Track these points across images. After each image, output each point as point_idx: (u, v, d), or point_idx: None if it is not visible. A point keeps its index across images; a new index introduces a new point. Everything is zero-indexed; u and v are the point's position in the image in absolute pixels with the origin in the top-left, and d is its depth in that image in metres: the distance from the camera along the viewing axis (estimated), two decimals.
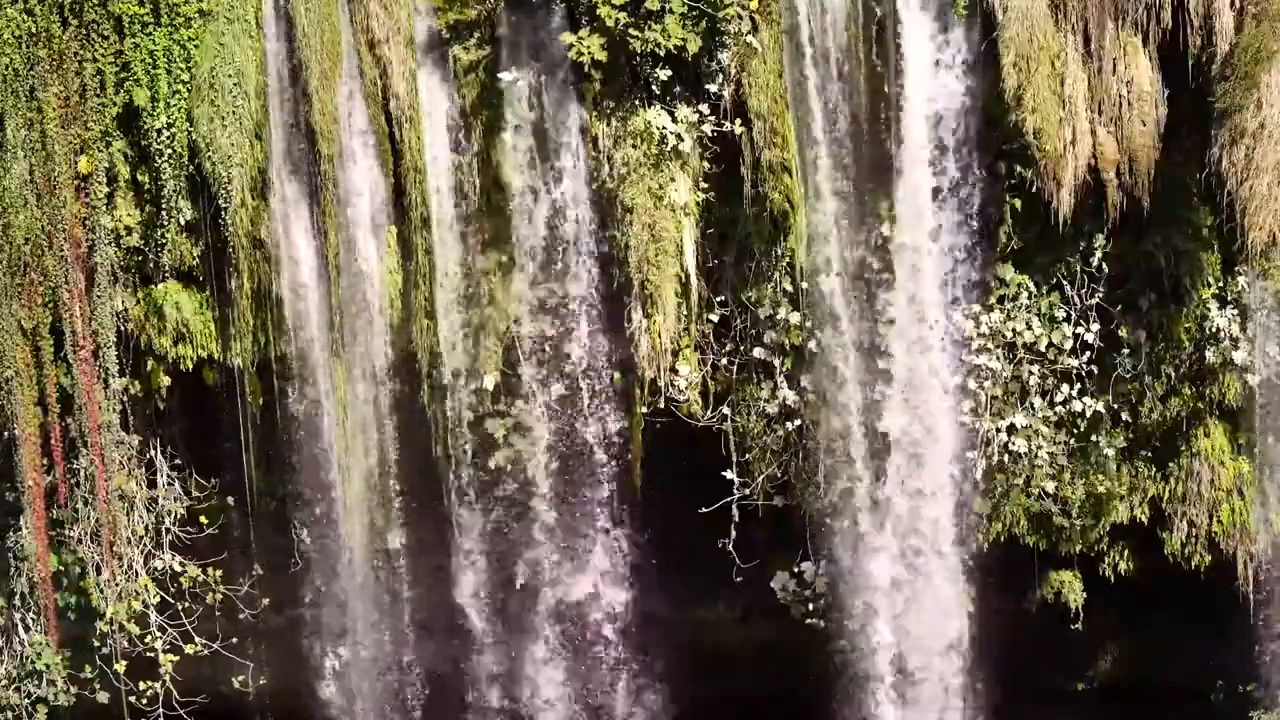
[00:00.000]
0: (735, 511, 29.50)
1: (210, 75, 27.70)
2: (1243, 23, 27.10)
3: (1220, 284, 28.39)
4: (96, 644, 29.83)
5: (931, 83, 27.65)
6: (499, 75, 27.72)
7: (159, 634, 29.88)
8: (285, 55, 27.74)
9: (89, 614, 29.85)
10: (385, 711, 30.46)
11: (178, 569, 29.98)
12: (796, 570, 29.98)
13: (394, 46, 27.77)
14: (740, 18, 27.36)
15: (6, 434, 28.99)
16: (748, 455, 29.48)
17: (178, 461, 30.14)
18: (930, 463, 28.91)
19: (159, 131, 27.90)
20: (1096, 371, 28.82)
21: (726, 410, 29.34)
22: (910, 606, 29.38)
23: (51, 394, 28.84)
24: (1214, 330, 28.39)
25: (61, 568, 29.76)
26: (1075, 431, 29.09)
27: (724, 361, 29.19)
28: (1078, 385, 28.87)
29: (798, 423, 29.05)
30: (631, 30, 27.02)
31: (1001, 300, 28.64)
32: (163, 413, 29.89)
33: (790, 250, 28.31)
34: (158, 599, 29.85)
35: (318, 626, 30.29)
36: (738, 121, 27.78)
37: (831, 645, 29.85)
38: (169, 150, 27.94)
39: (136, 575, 29.70)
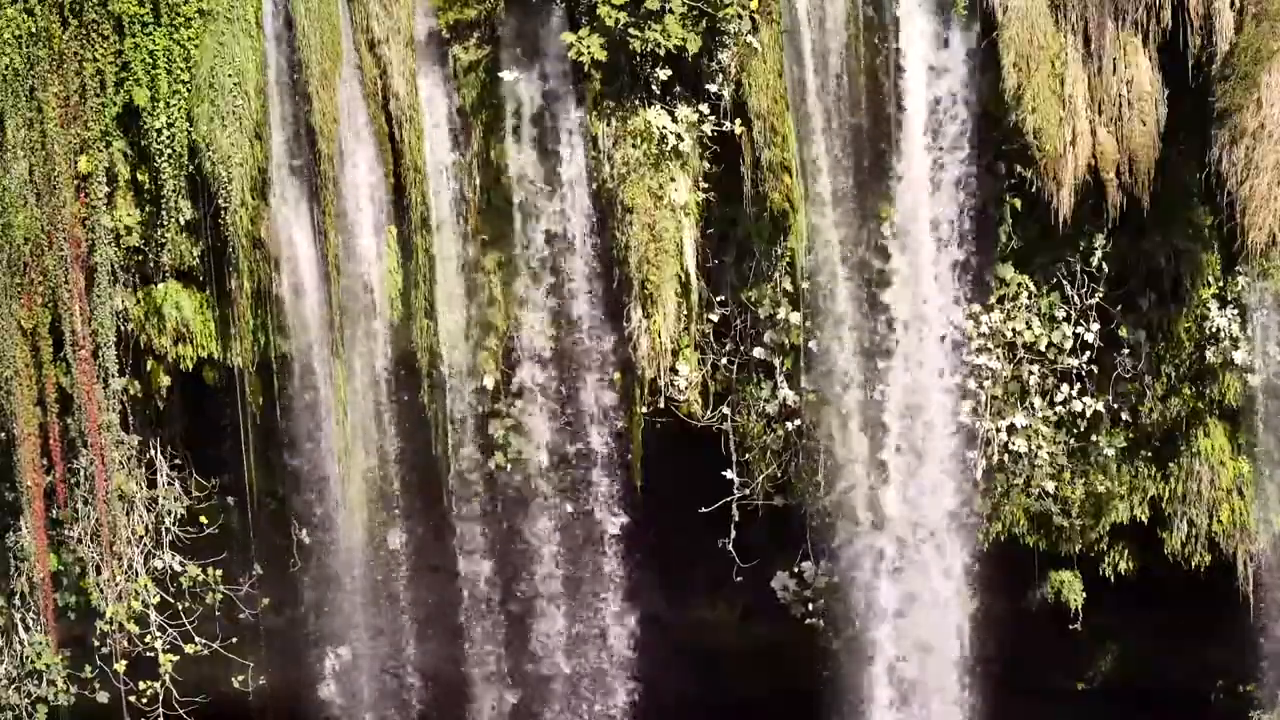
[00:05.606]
0: (735, 511, 29.51)
1: (210, 75, 27.70)
2: (1243, 23, 27.10)
3: (1220, 284, 28.39)
4: (96, 644, 29.84)
5: (931, 82, 27.65)
6: (499, 75, 27.72)
7: (159, 634, 29.89)
8: (285, 55, 27.74)
9: (89, 614, 29.86)
10: (385, 711, 30.44)
11: (178, 569, 29.99)
12: (796, 570, 29.98)
13: (394, 46, 27.77)
14: (740, 17, 27.35)
15: (6, 434, 28.99)
16: (748, 455, 29.48)
17: (178, 461, 30.15)
18: (930, 463, 28.91)
19: (159, 131, 27.90)
20: (1096, 371, 28.82)
21: (726, 410, 29.33)
22: (910, 606, 29.38)
23: (51, 394, 28.86)
24: (1214, 330, 28.38)
25: (61, 568, 29.76)
26: (1075, 431, 29.09)
27: (724, 361, 29.18)
28: (1078, 385, 28.88)
29: (798, 423, 29.06)
30: (631, 30, 27.01)
31: (1001, 300, 28.64)
32: (163, 413, 29.90)
33: (790, 250, 28.31)
34: (157, 599, 29.87)
35: (318, 626, 30.28)
36: (738, 121, 27.78)
37: (831, 645, 29.86)
38: (169, 150, 27.94)
39: (136, 575, 29.71)
